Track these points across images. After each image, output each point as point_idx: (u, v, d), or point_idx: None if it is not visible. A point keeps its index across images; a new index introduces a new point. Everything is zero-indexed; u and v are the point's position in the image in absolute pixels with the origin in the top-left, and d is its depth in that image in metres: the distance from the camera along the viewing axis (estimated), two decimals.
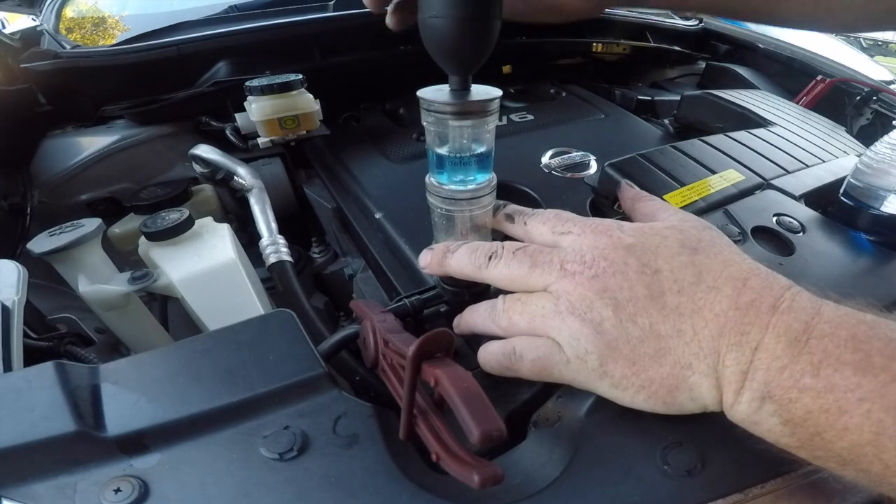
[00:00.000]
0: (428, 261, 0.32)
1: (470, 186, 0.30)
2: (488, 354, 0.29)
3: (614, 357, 0.25)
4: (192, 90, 0.73)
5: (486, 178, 0.31)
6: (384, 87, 0.80)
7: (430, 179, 0.32)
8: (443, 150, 0.30)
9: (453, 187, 0.31)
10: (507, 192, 0.52)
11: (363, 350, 0.31)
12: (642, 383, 0.25)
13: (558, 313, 0.26)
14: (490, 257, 0.29)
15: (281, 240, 0.50)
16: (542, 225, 0.30)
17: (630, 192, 0.35)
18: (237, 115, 0.65)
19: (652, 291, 0.25)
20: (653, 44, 1.02)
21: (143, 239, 0.44)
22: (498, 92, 0.29)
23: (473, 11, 0.25)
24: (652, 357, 0.24)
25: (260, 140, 0.63)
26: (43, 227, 0.43)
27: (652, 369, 0.24)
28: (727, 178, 0.46)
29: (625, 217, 0.34)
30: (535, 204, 0.50)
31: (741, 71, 0.97)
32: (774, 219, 0.42)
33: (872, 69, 0.96)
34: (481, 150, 0.30)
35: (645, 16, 1.04)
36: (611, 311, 0.25)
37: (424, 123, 0.29)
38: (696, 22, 1.13)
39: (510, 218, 0.32)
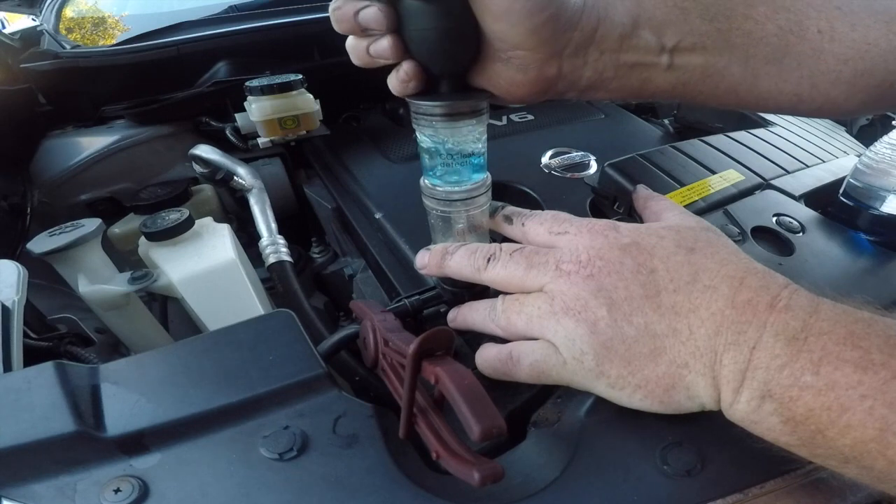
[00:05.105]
0: (425, 262, 0.32)
1: (465, 187, 0.30)
2: (484, 361, 0.29)
3: (610, 357, 0.25)
4: (192, 90, 0.73)
5: (481, 178, 0.31)
6: (384, 87, 0.80)
7: (425, 182, 0.31)
8: (435, 153, 0.29)
9: (448, 188, 0.30)
10: (506, 192, 0.52)
11: (363, 350, 0.31)
12: (638, 383, 0.25)
13: (553, 314, 0.26)
14: (489, 259, 0.29)
15: (281, 240, 0.50)
16: (539, 226, 0.30)
17: (644, 192, 0.35)
18: (237, 115, 0.65)
19: (648, 291, 0.25)
20: None
21: (143, 239, 0.44)
22: (487, 93, 0.29)
23: (448, 23, 0.26)
24: (647, 356, 0.24)
25: (260, 140, 0.63)
26: (43, 227, 0.43)
27: (648, 369, 0.24)
28: (727, 178, 0.46)
29: (624, 217, 0.34)
30: (534, 204, 0.50)
31: None
32: (774, 219, 0.42)
33: None
34: (474, 150, 0.29)
35: None
36: (605, 310, 0.25)
37: (415, 126, 0.29)
38: None
39: (508, 219, 0.32)
